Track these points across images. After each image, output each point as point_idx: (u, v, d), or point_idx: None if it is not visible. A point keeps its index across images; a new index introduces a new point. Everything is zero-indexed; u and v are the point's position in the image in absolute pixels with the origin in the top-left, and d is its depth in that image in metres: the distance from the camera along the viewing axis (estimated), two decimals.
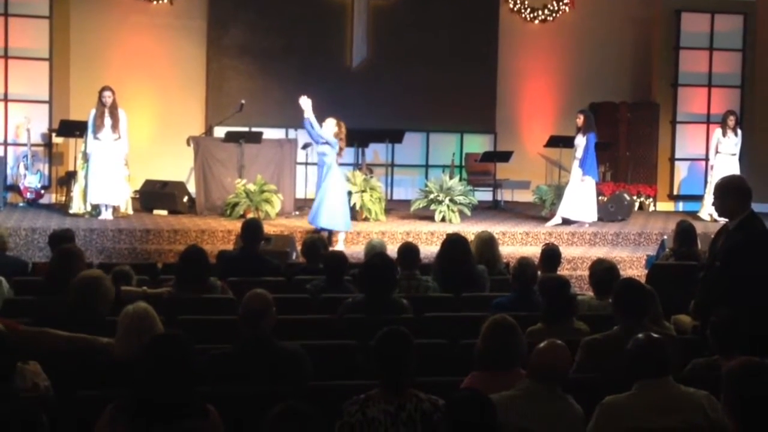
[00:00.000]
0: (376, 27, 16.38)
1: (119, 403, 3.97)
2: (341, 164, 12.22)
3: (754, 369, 4.00)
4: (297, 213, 13.76)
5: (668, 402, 4.28)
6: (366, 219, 13.12)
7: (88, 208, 12.93)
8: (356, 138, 14.30)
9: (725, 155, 14.70)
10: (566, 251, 11.29)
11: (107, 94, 12.72)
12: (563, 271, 10.13)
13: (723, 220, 6.34)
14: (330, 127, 11.59)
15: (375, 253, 7.32)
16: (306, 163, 15.27)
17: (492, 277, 7.87)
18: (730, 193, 5.96)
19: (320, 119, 15.55)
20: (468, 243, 7.84)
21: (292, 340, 5.22)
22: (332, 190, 11.59)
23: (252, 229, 8.35)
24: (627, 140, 16.54)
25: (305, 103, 11.40)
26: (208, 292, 6.90)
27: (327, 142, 11.46)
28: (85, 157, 12.93)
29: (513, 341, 4.69)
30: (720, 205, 6.04)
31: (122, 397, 4.01)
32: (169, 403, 3.89)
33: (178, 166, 14.57)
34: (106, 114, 12.71)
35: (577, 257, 11.87)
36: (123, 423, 3.89)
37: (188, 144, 13.75)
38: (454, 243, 7.76)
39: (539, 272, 7.24)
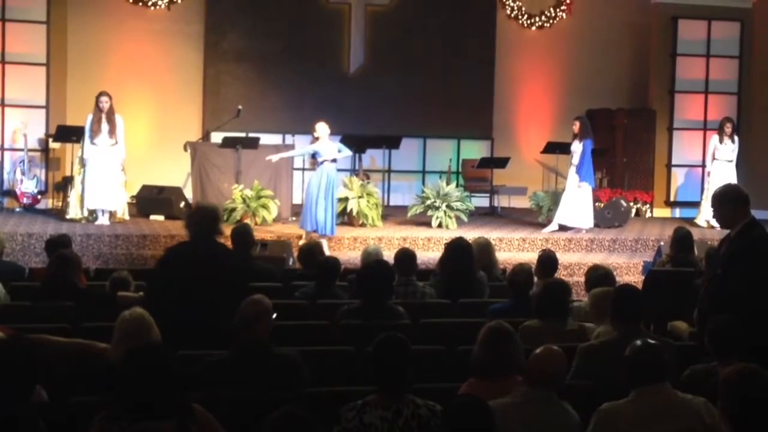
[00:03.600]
0: (374, 33, 16.39)
1: (109, 411, 3.96)
2: (339, 170, 12.39)
3: (751, 375, 4.00)
4: (294, 219, 13.75)
5: (665, 408, 4.28)
6: (363, 225, 13.12)
7: (85, 214, 12.93)
8: (353, 144, 14.30)
9: (722, 162, 14.72)
10: (563, 257, 11.29)
11: (104, 99, 12.72)
12: (559, 277, 10.12)
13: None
14: (327, 129, 11.80)
15: (373, 260, 7.32)
16: (303, 169, 15.28)
17: (489, 283, 7.88)
18: (727, 202, 5.96)
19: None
20: (472, 248, 7.86)
21: (288, 345, 5.21)
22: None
23: (240, 235, 8.30)
24: (624, 147, 16.56)
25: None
26: None
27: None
28: (82, 163, 12.92)
29: (510, 348, 4.69)
30: (719, 215, 6.04)
31: (112, 404, 4.00)
32: (152, 407, 3.89)
33: (175, 172, 14.57)
34: (103, 119, 12.71)
35: (574, 263, 11.88)
36: (115, 430, 3.88)
37: (185, 149, 13.74)
38: (458, 247, 7.76)
39: (536, 278, 7.25)
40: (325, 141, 11.84)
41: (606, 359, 5.03)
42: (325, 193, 11.74)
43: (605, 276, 6.87)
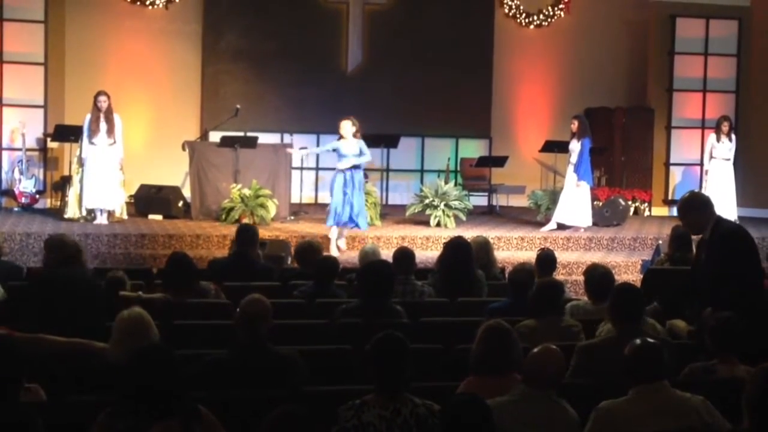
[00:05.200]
0: (372, 32, 16.39)
1: (113, 409, 3.97)
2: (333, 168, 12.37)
3: None
4: (292, 218, 13.77)
5: (664, 407, 4.28)
6: None
7: (83, 213, 12.92)
8: None
9: (719, 160, 14.71)
10: (561, 256, 11.28)
11: (102, 98, 12.71)
12: (558, 275, 10.12)
13: None
14: (350, 129, 11.71)
15: (375, 259, 7.32)
16: (301, 168, 15.28)
17: (487, 282, 7.88)
18: (690, 209, 6.21)
19: (318, 124, 15.54)
20: (471, 247, 7.86)
21: (287, 344, 5.21)
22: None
23: (246, 234, 8.33)
24: (622, 145, 16.58)
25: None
26: (199, 296, 6.88)
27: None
28: (80, 162, 12.91)
29: (508, 346, 4.69)
30: (688, 222, 6.33)
31: (116, 402, 4.01)
32: (157, 406, 3.89)
33: (173, 171, 14.56)
34: (102, 119, 12.70)
35: (573, 262, 11.88)
36: (117, 428, 3.89)
37: (183, 149, 13.74)
38: (456, 246, 7.77)
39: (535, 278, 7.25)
40: (348, 140, 11.72)
41: (605, 357, 5.03)
42: (350, 189, 11.69)
43: (604, 275, 6.87)
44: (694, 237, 9.22)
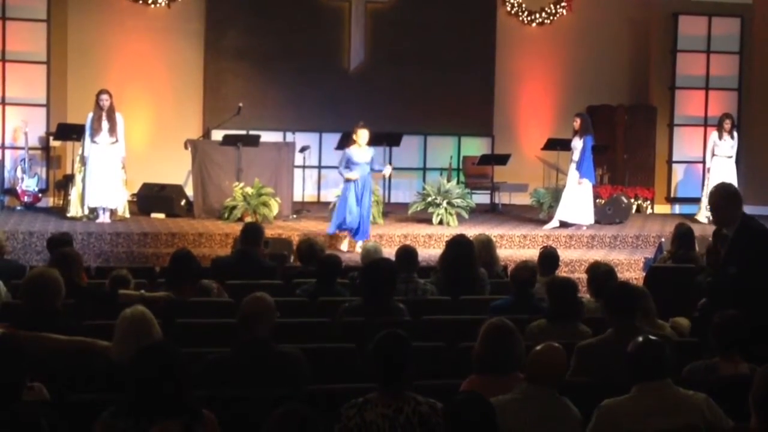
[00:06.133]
0: (374, 30, 16.39)
1: (115, 408, 3.97)
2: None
3: None
4: (294, 216, 13.77)
5: (667, 404, 4.28)
6: None
7: (86, 212, 12.93)
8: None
9: (722, 158, 14.71)
10: (564, 254, 11.28)
11: (104, 97, 12.72)
12: (561, 273, 10.13)
13: None
14: (366, 137, 11.78)
15: (378, 258, 7.32)
16: (303, 167, 15.28)
17: (490, 280, 7.88)
18: (733, 200, 6.03)
19: (320, 122, 15.53)
20: (473, 245, 7.86)
21: (289, 343, 5.22)
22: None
23: (251, 232, 8.35)
24: (624, 143, 16.57)
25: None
26: (202, 295, 6.88)
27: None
28: (83, 161, 12.92)
29: (511, 345, 4.69)
30: (724, 214, 6.05)
31: (118, 402, 4.01)
32: (160, 406, 3.89)
33: (175, 170, 14.57)
34: (104, 117, 12.71)
35: (575, 260, 11.87)
36: (119, 427, 3.89)
37: (186, 147, 13.74)
38: (459, 244, 7.77)
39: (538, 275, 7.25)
40: (362, 147, 11.73)
41: (603, 356, 5.04)
42: (360, 198, 11.68)
43: (607, 273, 6.87)
44: (697, 235, 9.30)
